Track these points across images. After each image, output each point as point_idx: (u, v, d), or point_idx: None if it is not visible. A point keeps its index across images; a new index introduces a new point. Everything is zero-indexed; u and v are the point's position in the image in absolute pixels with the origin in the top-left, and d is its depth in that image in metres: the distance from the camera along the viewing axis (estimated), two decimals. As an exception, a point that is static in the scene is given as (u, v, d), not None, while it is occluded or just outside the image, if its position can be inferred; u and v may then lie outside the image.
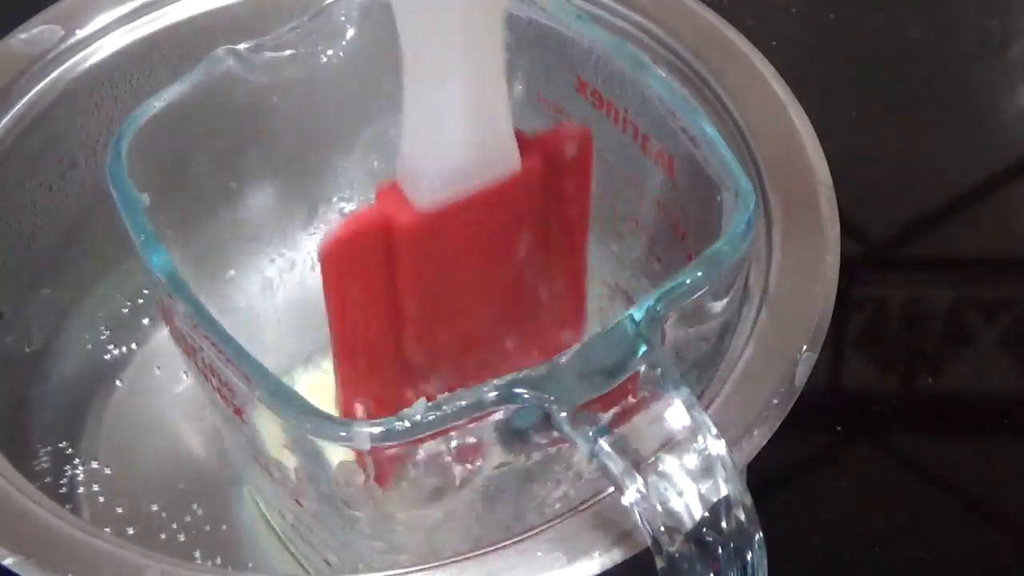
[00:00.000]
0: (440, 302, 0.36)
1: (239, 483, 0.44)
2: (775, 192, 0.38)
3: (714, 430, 0.28)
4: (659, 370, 0.28)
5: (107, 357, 0.47)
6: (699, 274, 0.30)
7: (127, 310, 0.48)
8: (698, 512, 0.28)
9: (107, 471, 0.45)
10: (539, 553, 0.31)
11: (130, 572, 0.31)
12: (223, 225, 0.43)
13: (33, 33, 0.43)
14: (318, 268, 0.33)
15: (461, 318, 0.37)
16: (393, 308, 0.36)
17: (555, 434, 0.29)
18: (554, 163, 0.35)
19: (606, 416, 0.28)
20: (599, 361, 0.28)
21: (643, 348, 0.28)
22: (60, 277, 0.45)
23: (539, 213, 0.36)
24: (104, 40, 0.44)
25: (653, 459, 0.28)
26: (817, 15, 0.64)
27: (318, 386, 0.45)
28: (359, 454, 0.29)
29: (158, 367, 0.47)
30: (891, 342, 0.53)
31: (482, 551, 0.31)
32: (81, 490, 0.44)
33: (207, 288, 0.35)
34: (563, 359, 0.29)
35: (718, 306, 0.32)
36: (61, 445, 0.45)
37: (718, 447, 0.28)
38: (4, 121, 0.42)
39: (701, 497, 0.28)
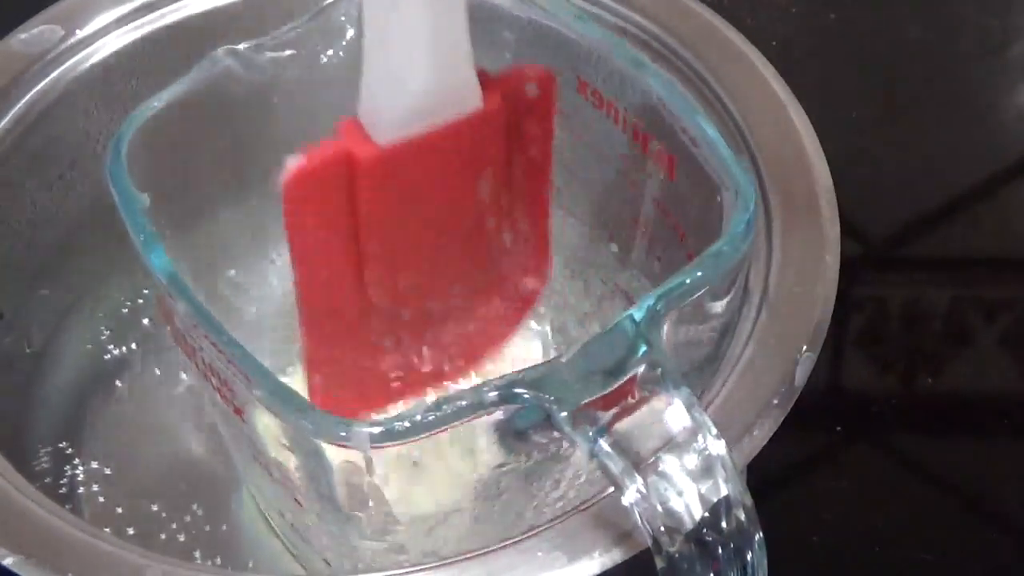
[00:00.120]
0: (401, 242, 0.36)
1: (239, 483, 0.44)
2: (775, 192, 0.38)
3: (714, 430, 0.28)
4: (659, 370, 0.28)
5: (107, 357, 0.47)
6: (699, 274, 0.30)
7: (127, 310, 0.48)
8: (698, 512, 0.28)
9: (107, 471, 0.45)
10: (539, 553, 0.31)
11: (130, 572, 0.31)
12: (223, 225, 0.43)
13: (33, 33, 0.43)
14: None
15: (423, 260, 0.37)
16: (354, 247, 0.35)
17: (555, 434, 0.29)
18: (516, 103, 0.35)
19: (606, 416, 0.28)
20: (599, 361, 0.28)
21: (643, 348, 0.28)
22: (60, 277, 0.45)
23: (501, 154, 0.36)
24: (104, 40, 0.44)
25: (653, 459, 0.28)
26: (817, 15, 0.64)
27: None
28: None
29: (158, 367, 0.47)
30: (891, 342, 0.53)
31: (482, 551, 0.31)
32: (81, 490, 0.44)
33: (207, 288, 0.35)
34: (563, 359, 0.29)
35: (718, 306, 0.32)
36: (61, 445, 0.45)
37: (718, 447, 0.28)
38: (4, 121, 0.42)
39: (701, 497, 0.28)
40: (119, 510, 0.43)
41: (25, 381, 0.45)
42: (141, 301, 0.47)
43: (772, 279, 0.36)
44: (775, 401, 0.34)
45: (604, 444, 0.28)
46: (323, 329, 0.37)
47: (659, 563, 0.28)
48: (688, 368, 0.34)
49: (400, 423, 0.27)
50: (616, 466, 0.28)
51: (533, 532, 0.31)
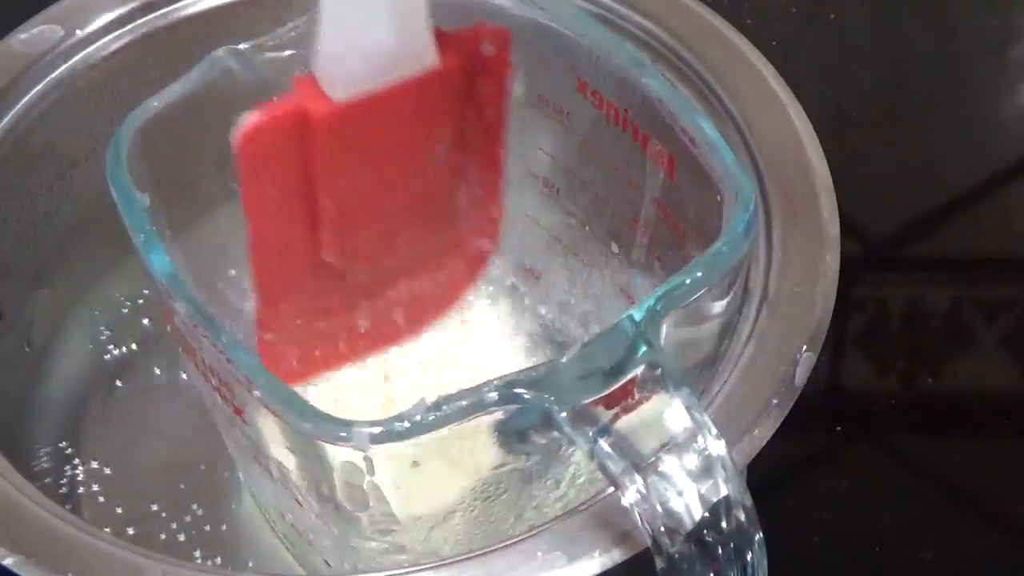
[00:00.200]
0: (356, 201, 0.36)
1: (239, 483, 0.44)
2: (775, 192, 0.38)
3: (714, 430, 0.28)
4: (659, 370, 0.28)
5: (107, 357, 0.47)
6: (699, 274, 0.30)
7: (127, 310, 0.48)
8: (698, 512, 0.28)
9: (107, 471, 0.45)
10: (539, 553, 0.31)
11: (130, 572, 0.31)
12: (223, 225, 0.43)
13: (33, 33, 0.43)
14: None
15: (377, 220, 0.37)
16: (309, 205, 0.35)
17: (555, 434, 0.29)
18: (472, 61, 0.35)
19: (606, 416, 0.28)
20: (599, 361, 0.28)
21: (643, 348, 0.28)
22: (60, 277, 0.45)
23: (456, 113, 0.36)
24: (104, 40, 0.44)
25: (653, 459, 0.28)
26: (817, 15, 0.64)
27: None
28: None
29: (158, 367, 0.47)
30: (891, 342, 0.53)
31: (482, 551, 0.31)
32: (81, 490, 0.44)
33: (207, 288, 0.35)
34: (563, 359, 0.29)
35: (718, 306, 0.32)
36: (61, 445, 0.45)
37: (718, 447, 0.28)
38: (4, 121, 0.42)
39: (701, 497, 0.28)
40: (119, 510, 0.43)
41: (25, 381, 0.45)
42: (141, 301, 0.48)
43: (772, 279, 0.36)
44: (775, 401, 0.34)
45: (604, 444, 0.28)
46: (275, 289, 0.37)
47: (659, 563, 0.28)
48: (688, 368, 0.34)
49: (400, 423, 0.27)
50: (616, 466, 0.28)
51: (533, 532, 0.31)
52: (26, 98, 0.43)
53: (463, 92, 0.36)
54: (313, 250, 0.37)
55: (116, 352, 0.47)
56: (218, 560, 0.42)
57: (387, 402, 0.43)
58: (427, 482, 0.32)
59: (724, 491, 0.28)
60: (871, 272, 0.56)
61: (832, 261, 0.36)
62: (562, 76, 0.37)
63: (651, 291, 0.30)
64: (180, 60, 0.36)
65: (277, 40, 0.35)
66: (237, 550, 0.43)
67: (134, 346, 0.47)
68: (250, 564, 0.42)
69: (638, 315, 0.29)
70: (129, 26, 0.44)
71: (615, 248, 0.40)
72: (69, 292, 0.46)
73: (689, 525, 0.28)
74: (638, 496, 0.28)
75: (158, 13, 0.45)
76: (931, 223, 0.57)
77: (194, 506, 0.43)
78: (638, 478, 0.28)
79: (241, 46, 0.35)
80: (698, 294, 0.30)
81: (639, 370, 0.28)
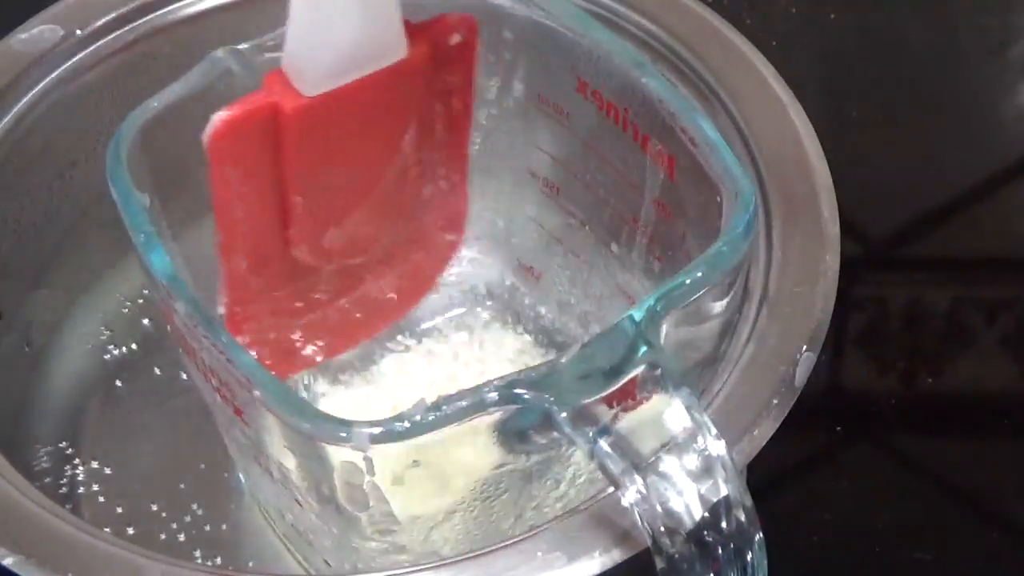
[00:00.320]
0: (327, 196, 0.36)
1: (239, 483, 0.44)
2: (775, 192, 0.38)
3: (714, 430, 0.28)
4: (659, 370, 0.28)
5: (107, 357, 0.47)
6: (699, 274, 0.30)
7: (127, 310, 0.48)
8: (698, 512, 0.28)
9: (107, 471, 0.45)
10: (539, 553, 0.31)
11: (130, 572, 0.31)
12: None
13: (33, 33, 0.43)
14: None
15: (348, 213, 0.37)
16: (279, 203, 0.35)
17: (555, 434, 0.29)
18: (438, 52, 0.35)
19: (606, 416, 0.28)
20: (599, 361, 0.28)
21: (643, 348, 0.28)
22: (60, 277, 0.45)
23: (423, 104, 0.36)
24: (104, 40, 0.44)
25: (653, 459, 0.28)
26: (817, 15, 0.64)
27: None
28: None
29: (158, 367, 0.47)
30: (891, 342, 0.53)
31: (482, 551, 0.31)
32: (81, 490, 0.44)
33: (207, 288, 0.35)
34: (563, 359, 0.29)
35: (718, 306, 0.32)
36: (61, 445, 0.45)
37: (718, 447, 0.28)
38: (4, 121, 0.42)
39: (701, 497, 0.28)
40: (119, 510, 0.43)
41: (25, 381, 0.45)
42: (141, 301, 0.47)
43: (772, 279, 0.36)
44: (775, 401, 0.34)
45: (604, 444, 0.28)
46: (245, 289, 0.37)
47: (659, 563, 0.28)
48: (688, 368, 0.34)
49: (400, 423, 0.27)
50: (616, 466, 0.28)
51: (533, 532, 0.31)
52: (26, 98, 0.43)
53: (430, 83, 0.36)
54: (284, 248, 0.37)
55: (116, 352, 0.47)
56: (218, 560, 0.42)
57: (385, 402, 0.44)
58: (427, 482, 0.32)
59: (724, 491, 0.28)
60: (871, 272, 0.56)
61: (832, 261, 0.36)
62: (562, 76, 0.37)
63: (651, 291, 0.30)
64: (180, 60, 0.36)
65: (277, 40, 0.35)
66: (237, 550, 0.43)
67: (134, 346, 0.47)
68: (250, 564, 0.42)
69: (638, 315, 0.29)
70: (129, 26, 0.44)
71: (615, 248, 0.40)
72: (69, 292, 0.46)
73: (689, 525, 0.28)
74: (638, 496, 0.28)
75: (158, 13, 0.45)
76: (931, 223, 0.57)
77: (194, 506, 0.43)
78: (638, 478, 0.28)
79: (241, 46, 0.35)
80: (698, 294, 0.30)
81: (639, 370, 0.28)
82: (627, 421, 0.28)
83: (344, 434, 0.28)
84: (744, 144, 0.40)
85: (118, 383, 0.47)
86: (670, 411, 0.28)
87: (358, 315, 0.41)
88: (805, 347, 0.35)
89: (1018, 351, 0.52)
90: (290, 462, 0.32)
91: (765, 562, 0.28)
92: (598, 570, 0.30)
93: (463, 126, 0.39)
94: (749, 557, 0.28)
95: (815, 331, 0.35)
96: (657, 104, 0.34)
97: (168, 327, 0.33)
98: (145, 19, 0.44)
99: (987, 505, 0.48)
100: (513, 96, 0.40)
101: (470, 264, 0.46)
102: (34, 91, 0.43)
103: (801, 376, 0.34)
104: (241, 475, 0.43)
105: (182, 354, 0.33)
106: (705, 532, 0.28)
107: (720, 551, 0.28)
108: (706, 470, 0.28)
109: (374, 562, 0.35)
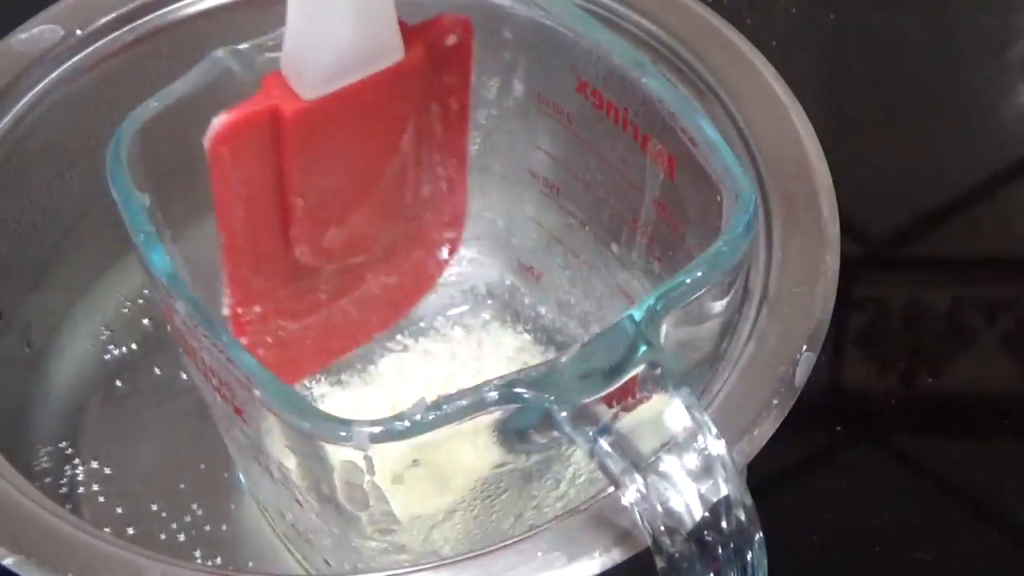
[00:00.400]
0: (327, 198, 0.36)
1: (239, 483, 0.44)
2: (775, 192, 0.38)
3: (714, 430, 0.28)
4: (659, 370, 0.28)
5: (107, 357, 0.47)
6: (699, 274, 0.30)
7: (127, 310, 0.48)
8: (698, 512, 0.28)
9: (107, 471, 0.45)
10: (539, 553, 0.31)
11: (130, 572, 0.31)
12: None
13: (33, 33, 0.43)
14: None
15: (348, 214, 0.37)
16: (279, 204, 0.36)
17: (555, 434, 0.29)
18: (435, 52, 0.35)
19: (606, 415, 0.28)
20: (599, 361, 0.28)
21: (643, 348, 0.28)
22: (60, 277, 0.45)
23: (421, 105, 0.37)
24: (104, 40, 0.44)
25: (653, 459, 0.28)
26: (817, 15, 0.64)
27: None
28: None
29: (158, 367, 0.47)
30: (891, 342, 0.53)
31: (482, 551, 0.31)
32: (81, 490, 0.44)
33: (207, 288, 0.35)
34: (563, 359, 0.29)
35: (718, 306, 0.32)
36: (61, 445, 0.45)
37: (718, 447, 0.28)
38: (4, 121, 0.42)
39: (701, 497, 0.28)
40: (119, 510, 0.43)
41: (25, 381, 0.45)
42: (141, 301, 0.48)
43: (772, 279, 0.36)
44: (775, 401, 0.34)
45: (604, 444, 0.28)
46: (249, 290, 0.37)
47: (659, 563, 0.28)
48: (688, 368, 0.34)
49: (400, 422, 0.27)
50: (616, 466, 0.28)
51: (533, 532, 0.31)
52: (26, 98, 0.43)
53: (428, 84, 0.36)
54: (285, 248, 0.37)
55: (116, 352, 0.47)
56: (218, 560, 0.42)
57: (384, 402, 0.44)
58: (427, 481, 0.32)
59: (724, 491, 0.28)
60: (871, 272, 0.56)
61: (832, 261, 0.36)
62: (562, 76, 0.37)
63: (651, 291, 0.30)
64: (180, 60, 0.36)
65: (277, 40, 0.35)
66: (237, 550, 0.43)
67: (134, 346, 0.47)
68: (250, 564, 0.42)
69: (638, 315, 0.29)
70: (129, 26, 0.44)
71: (615, 248, 0.40)
72: (69, 292, 0.46)
73: (689, 525, 0.28)
74: (638, 496, 0.28)
75: (158, 13, 0.45)
76: (931, 223, 0.57)
77: (194, 506, 0.43)
78: (638, 477, 0.28)
79: (241, 46, 0.35)
80: (698, 294, 0.30)
81: (639, 370, 0.28)
82: (627, 420, 0.28)
83: (344, 433, 0.28)
84: (744, 144, 0.40)
85: (118, 383, 0.47)
86: (670, 411, 0.28)
87: (360, 315, 0.41)
88: (805, 347, 0.35)
89: (1018, 351, 0.52)
90: (290, 462, 0.32)
91: (765, 562, 0.28)
92: (598, 570, 0.30)
93: (461, 126, 0.39)
94: (749, 557, 0.28)
95: (815, 331, 0.35)
96: (657, 104, 0.34)
97: (168, 327, 0.34)
98: (145, 19, 0.44)
99: (987, 505, 0.48)
100: (513, 96, 0.40)
101: (470, 264, 0.46)
102: (34, 91, 0.43)
103: (801, 376, 0.34)
104: (241, 475, 0.43)
105: (182, 354, 0.33)
106: (705, 532, 0.28)
107: (720, 551, 0.28)
108: (706, 470, 0.28)
109: (374, 562, 0.35)
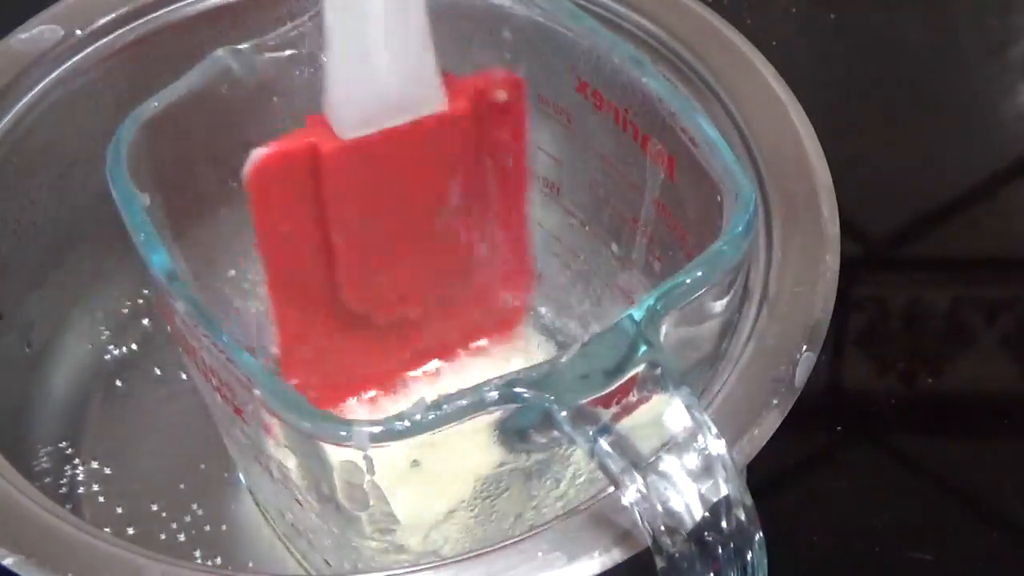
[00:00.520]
0: (369, 240, 0.37)
1: (239, 483, 0.44)
2: (775, 192, 0.38)
3: (714, 430, 0.28)
4: (659, 369, 0.28)
5: (107, 357, 0.47)
6: (699, 274, 0.30)
7: (127, 310, 0.48)
8: (698, 512, 0.28)
9: (107, 471, 0.45)
10: (539, 553, 0.31)
11: (130, 572, 0.31)
12: (223, 225, 0.43)
13: (33, 33, 0.43)
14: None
15: (393, 262, 0.37)
16: (321, 243, 0.36)
17: (555, 433, 0.29)
18: (484, 108, 0.36)
19: (606, 415, 0.28)
20: (599, 361, 0.28)
21: (643, 348, 0.28)
22: (60, 277, 0.45)
23: (471, 160, 0.37)
24: (104, 40, 0.44)
25: (653, 459, 0.28)
26: (817, 15, 0.64)
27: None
28: None
29: (158, 367, 0.47)
30: (891, 342, 0.53)
31: (482, 551, 0.31)
32: (81, 490, 0.44)
33: (207, 288, 0.35)
34: (563, 359, 0.29)
35: (718, 306, 0.32)
36: (61, 445, 0.45)
37: (718, 447, 0.28)
38: (4, 121, 0.42)
39: (701, 497, 0.28)
40: (119, 510, 0.43)
41: (25, 381, 0.45)
42: (141, 301, 0.48)
43: (772, 279, 0.36)
44: (775, 401, 0.34)
45: (604, 443, 0.28)
46: (296, 331, 0.37)
47: (659, 563, 0.28)
48: (688, 368, 0.34)
49: (400, 422, 0.27)
50: (616, 465, 0.28)
51: (533, 532, 0.31)
52: (26, 98, 0.43)
53: (476, 138, 0.36)
54: (331, 292, 0.37)
55: (116, 352, 0.47)
56: (218, 560, 0.42)
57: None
58: (427, 481, 0.32)
59: (724, 491, 0.28)
60: (871, 272, 0.56)
61: (832, 261, 0.36)
62: (562, 76, 0.37)
63: (651, 291, 0.30)
64: (180, 60, 0.36)
65: (277, 40, 0.35)
66: (237, 550, 0.43)
67: (134, 346, 0.47)
68: (250, 564, 0.42)
69: (638, 315, 0.29)
70: (129, 26, 0.44)
71: (615, 248, 0.40)
72: (69, 292, 0.46)
73: (689, 525, 0.27)
74: (638, 495, 0.28)
75: (158, 13, 0.45)
76: (931, 223, 0.57)
77: (194, 506, 0.43)
78: (638, 477, 0.28)
79: (241, 46, 0.35)
80: (698, 293, 0.30)
81: (639, 369, 0.28)
82: (627, 420, 0.28)
83: (344, 433, 0.28)
84: (744, 144, 0.40)
85: (118, 383, 0.47)
86: (670, 410, 0.28)
87: (411, 368, 0.41)
88: (805, 347, 0.35)
89: (1018, 351, 0.52)
90: (290, 461, 0.32)
91: (765, 562, 0.28)
92: (598, 570, 0.30)
93: (518, 184, 0.39)
94: (749, 557, 0.28)
95: (815, 331, 0.35)
96: (657, 104, 0.34)
97: (168, 327, 0.34)
98: (145, 19, 0.44)
99: (987, 505, 0.48)
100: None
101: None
102: (34, 91, 0.43)
103: (801, 376, 0.34)
104: (241, 475, 0.43)
105: (182, 354, 0.33)
106: (705, 531, 0.28)
107: (720, 550, 0.28)
108: (706, 469, 0.28)
109: (374, 562, 0.35)
